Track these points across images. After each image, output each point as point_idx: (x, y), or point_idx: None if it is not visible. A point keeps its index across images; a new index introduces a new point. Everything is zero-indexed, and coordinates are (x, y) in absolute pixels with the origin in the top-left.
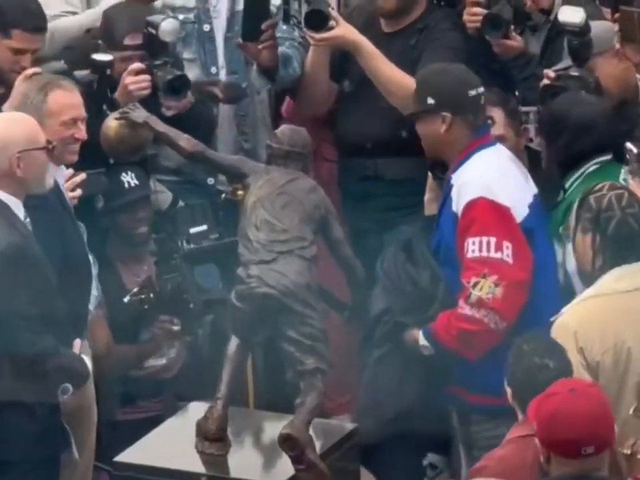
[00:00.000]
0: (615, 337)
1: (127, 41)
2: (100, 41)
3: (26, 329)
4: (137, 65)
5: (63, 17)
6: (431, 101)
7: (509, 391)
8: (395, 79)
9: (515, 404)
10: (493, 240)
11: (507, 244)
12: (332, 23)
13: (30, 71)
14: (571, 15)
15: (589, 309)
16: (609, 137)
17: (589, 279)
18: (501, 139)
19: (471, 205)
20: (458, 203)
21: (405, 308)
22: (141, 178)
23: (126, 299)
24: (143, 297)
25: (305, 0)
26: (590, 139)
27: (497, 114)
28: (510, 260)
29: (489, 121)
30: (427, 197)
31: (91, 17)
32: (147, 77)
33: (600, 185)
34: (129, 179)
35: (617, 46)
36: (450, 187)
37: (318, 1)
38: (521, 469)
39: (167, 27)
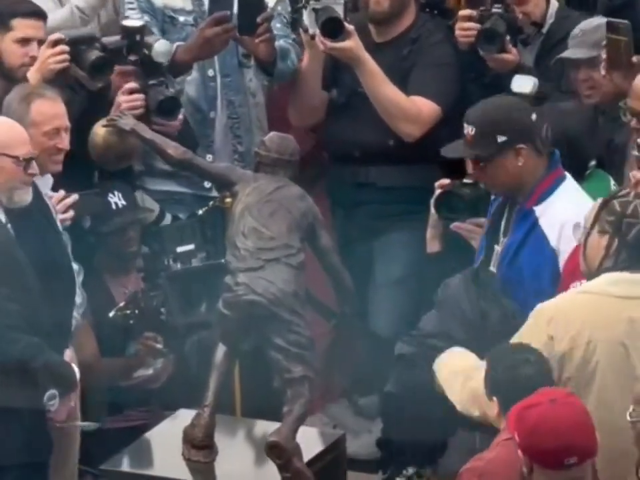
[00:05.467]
0: (589, 336)
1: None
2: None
3: (8, 326)
4: (130, 85)
5: None
6: (501, 138)
7: (494, 402)
8: (394, 100)
9: (503, 409)
10: None
11: None
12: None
13: (54, 36)
14: (522, 85)
15: (572, 302)
16: (597, 141)
17: (591, 277)
18: None
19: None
20: (560, 241)
21: (466, 338)
22: (128, 197)
23: (111, 314)
24: (128, 312)
25: (312, 9)
26: (595, 144)
27: None
28: None
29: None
30: (429, 234)
31: (62, 17)
32: (141, 96)
33: (625, 191)
34: (116, 199)
35: (603, 72)
36: (534, 219)
37: (329, 9)
38: (510, 469)
39: (160, 48)
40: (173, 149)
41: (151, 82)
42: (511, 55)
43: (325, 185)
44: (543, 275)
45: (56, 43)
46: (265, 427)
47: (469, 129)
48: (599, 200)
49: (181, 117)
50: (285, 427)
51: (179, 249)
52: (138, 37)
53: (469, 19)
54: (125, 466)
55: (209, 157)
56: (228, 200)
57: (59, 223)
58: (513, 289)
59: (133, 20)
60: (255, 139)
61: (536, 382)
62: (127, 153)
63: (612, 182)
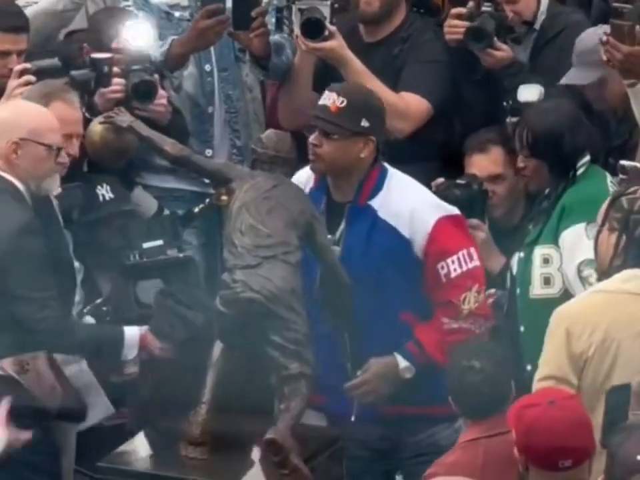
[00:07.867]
0: (606, 333)
1: (114, 46)
2: (85, 44)
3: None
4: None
5: (27, 7)
6: (365, 123)
7: (452, 402)
8: (382, 97)
9: (459, 412)
10: (465, 252)
11: (472, 249)
12: (326, 33)
13: (19, 66)
14: (528, 95)
15: (588, 301)
16: (590, 135)
17: (603, 276)
18: (499, 178)
19: (435, 229)
20: (413, 230)
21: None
22: (117, 191)
23: (85, 310)
24: (104, 308)
25: (298, 9)
26: (579, 140)
27: (497, 152)
28: (479, 262)
29: None
30: None
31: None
32: (121, 80)
33: (634, 188)
34: (104, 192)
35: (604, 58)
36: (374, 212)
37: (314, 10)
38: (471, 472)
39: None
40: (170, 145)
41: (135, 67)
42: (504, 52)
43: None
44: (402, 263)
45: (22, 73)
46: (263, 424)
47: None
48: (609, 197)
49: (165, 101)
50: (282, 424)
51: (145, 245)
52: (106, 69)
53: (459, 16)
54: (122, 463)
55: (208, 152)
56: (224, 197)
57: (61, 220)
58: (369, 284)
59: (101, 53)
60: (253, 133)
61: (479, 390)
62: (124, 150)
63: (609, 179)
